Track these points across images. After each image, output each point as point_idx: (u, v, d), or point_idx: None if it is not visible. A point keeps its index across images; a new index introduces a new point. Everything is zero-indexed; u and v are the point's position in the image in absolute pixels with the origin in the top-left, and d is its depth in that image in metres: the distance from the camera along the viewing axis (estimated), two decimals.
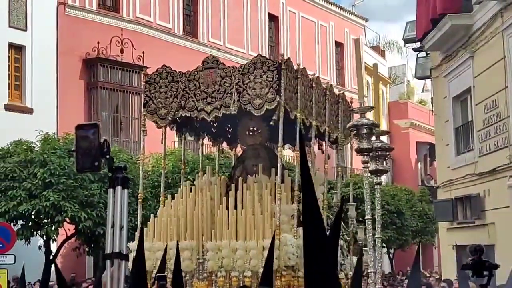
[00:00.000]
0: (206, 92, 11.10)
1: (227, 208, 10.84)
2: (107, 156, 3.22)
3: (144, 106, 11.72)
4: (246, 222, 10.51)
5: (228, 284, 10.30)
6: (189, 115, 11.35)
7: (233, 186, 11.26)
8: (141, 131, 11.77)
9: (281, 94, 10.59)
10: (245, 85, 10.85)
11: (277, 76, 10.67)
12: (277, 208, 10.47)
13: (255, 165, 11.77)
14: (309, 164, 12.65)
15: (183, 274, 10.56)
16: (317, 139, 12.67)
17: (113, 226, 3.23)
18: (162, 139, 12.03)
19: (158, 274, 5.73)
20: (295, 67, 11.29)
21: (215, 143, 13.83)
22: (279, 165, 10.74)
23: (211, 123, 12.78)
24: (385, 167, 9.26)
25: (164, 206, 11.60)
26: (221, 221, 10.69)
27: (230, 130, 13.34)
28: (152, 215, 11.61)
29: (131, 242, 10.28)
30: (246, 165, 12.11)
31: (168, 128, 12.52)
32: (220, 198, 11.14)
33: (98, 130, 3.25)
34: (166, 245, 9.93)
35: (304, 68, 11.75)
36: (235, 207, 10.81)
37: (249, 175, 11.58)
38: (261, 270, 10.09)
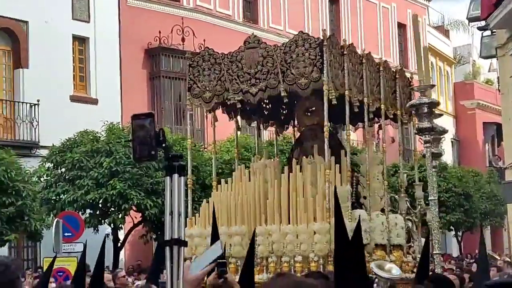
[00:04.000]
0: (249, 73, 10.73)
1: (279, 191, 10.47)
2: (164, 145, 3.24)
3: (188, 90, 11.39)
4: (297, 205, 10.13)
5: (279, 270, 9.84)
6: (234, 97, 10.97)
7: (286, 168, 10.89)
8: (188, 115, 11.57)
9: (325, 72, 10.16)
10: (288, 64, 10.44)
11: (319, 53, 10.25)
12: (326, 191, 10.05)
13: (313, 147, 11.24)
14: (365, 143, 12.25)
15: (234, 260, 10.22)
16: (376, 117, 12.06)
17: (171, 214, 3.25)
18: (212, 122, 11.79)
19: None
20: (342, 43, 10.83)
21: (266, 126, 13.47)
22: (325, 145, 10.30)
23: (263, 105, 12.36)
24: (440, 150, 9.08)
25: (217, 191, 11.27)
26: (272, 205, 10.36)
27: (284, 111, 12.82)
28: (204, 201, 11.40)
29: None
30: (304, 147, 11.69)
31: (226, 116, 12.41)
32: (273, 181, 10.68)
33: (154, 119, 3.27)
34: (210, 231, 9.32)
35: (351, 44, 11.32)
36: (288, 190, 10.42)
37: (304, 157, 11.15)
38: (311, 254, 9.81)
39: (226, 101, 11.24)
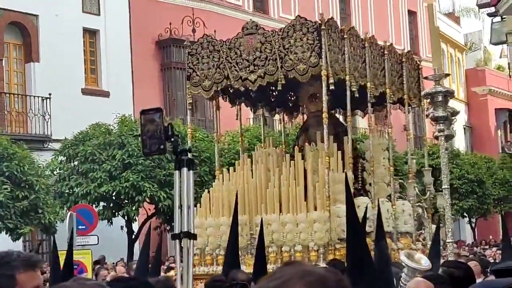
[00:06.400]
0: (247, 60, 10.52)
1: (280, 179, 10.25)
2: (172, 139, 3.28)
3: (187, 78, 11.19)
4: (296, 194, 9.94)
5: (280, 260, 9.66)
6: (233, 85, 10.84)
7: (287, 156, 10.72)
8: (187, 105, 11.51)
9: (323, 57, 9.95)
10: (286, 50, 10.24)
11: (317, 37, 10.05)
12: (326, 178, 9.88)
13: (318, 133, 11.02)
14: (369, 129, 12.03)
15: None
16: (384, 103, 11.81)
17: (180, 207, 3.29)
18: (215, 111, 11.65)
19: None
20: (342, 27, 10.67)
21: (273, 113, 13.17)
22: (325, 131, 10.14)
23: (270, 92, 12.16)
24: (452, 131, 9.12)
25: (219, 180, 11.04)
26: (271, 194, 10.15)
27: (292, 98, 12.60)
28: (206, 191, 11.23)
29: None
30: (309, 134, 11.51)
31: (243, 105, 12.35)
32: (275, 170, 10.48)
33: (162, 114, 3.32)
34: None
35: (352, 27, 11.15)
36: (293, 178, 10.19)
37: (307, 144, 10.97)
38: (311, 243, 9.65)
39: (229, 89, 11.12)
